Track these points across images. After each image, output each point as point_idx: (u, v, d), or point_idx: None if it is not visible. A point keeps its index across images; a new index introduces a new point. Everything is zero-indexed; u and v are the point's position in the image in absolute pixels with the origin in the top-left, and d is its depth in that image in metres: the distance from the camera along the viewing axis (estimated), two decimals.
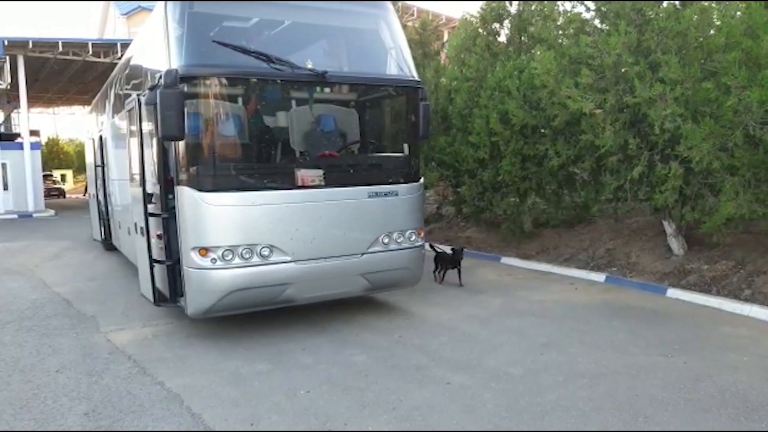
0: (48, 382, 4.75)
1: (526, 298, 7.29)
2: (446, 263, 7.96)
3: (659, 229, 8.46)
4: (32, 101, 27.95)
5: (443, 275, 8.03)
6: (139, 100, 6.40)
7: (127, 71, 8.34)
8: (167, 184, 5.79)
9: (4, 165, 23.85)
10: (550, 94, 7.71)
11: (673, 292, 7.01)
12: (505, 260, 9.63)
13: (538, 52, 7.68)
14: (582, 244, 9.39)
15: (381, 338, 5.76)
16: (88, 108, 25.11)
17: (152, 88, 5.49)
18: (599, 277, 8.08)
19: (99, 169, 11.77)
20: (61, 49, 22.15)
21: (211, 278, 5.39)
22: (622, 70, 6.73)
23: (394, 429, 3.84)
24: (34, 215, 23.20)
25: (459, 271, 7.88)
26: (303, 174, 5.81)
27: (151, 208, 6.10)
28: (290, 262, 5.65)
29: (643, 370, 4.71)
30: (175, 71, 5.13)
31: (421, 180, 6.57)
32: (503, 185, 9.42)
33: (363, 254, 6.03)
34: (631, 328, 5.85)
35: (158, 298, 6.08)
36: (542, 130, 8.62)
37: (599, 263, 8.57)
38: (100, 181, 11.75)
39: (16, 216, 22.70)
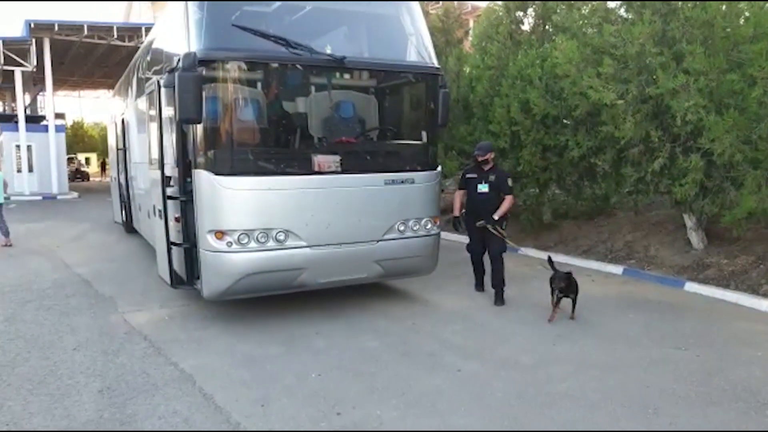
0: (65, 360, 4.86)
1: (542, 289, 7.16)
2: (563, 287, 5.96)
3: (679, 223, 8.32)
4: (57, 84, 28.40)
5: (558, 301, 6.01)
6: (158, 83, 6.45)
7: (148, 55, 8.41)
8: (186, 167, 5.85)
9: (29, 147, 24.29)
10: (572, 83, 7.59)
11: (690, 286, 6.90)
12: (522, 251, 9.53)
13: (561, 41, 7.52)
14: (601, 236, 9.29)
15: (395, 325, 5.77)
16: (112, 92, 25.40)
17: (171, 71, 5.54)
18: (617, 269, 7.99)
19: (121, 153, 11.93)
20: (86, 32, 22.43)
21: (226, 261, 5.44)
22: (646, 61, 6.59)
23: (400, 414, 3.86)
24: (58, 197, 23.64)
25: (574, 300, 6.03)
26: (320, 159, 5.82)
27: (169, 191, 6.17)
28: (305, 247, 5.68)
29: (655, 363, 4.66)
30: (194, 54, 5.16)
31: (438, 168, 6.54)
32: (523, 175, 9.32)
33: (378, 241, 6.03)
34: (647, 321, 5.79)
35: (175, 281, 6.16)
36: (564, 121, 8.48)
37: (617, 255, 8.47)
38: (121, 165, 11.91)
39: (40, 198, 23.16)
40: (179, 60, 5.31)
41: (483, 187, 6.53)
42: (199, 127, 5.50)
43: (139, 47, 20.48)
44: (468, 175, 6.74)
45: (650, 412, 3.79)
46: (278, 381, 4.43)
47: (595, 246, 9.07)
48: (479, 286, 7.10)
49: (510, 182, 6.58)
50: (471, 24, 18.08)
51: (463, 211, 6.90)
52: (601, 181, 9.45)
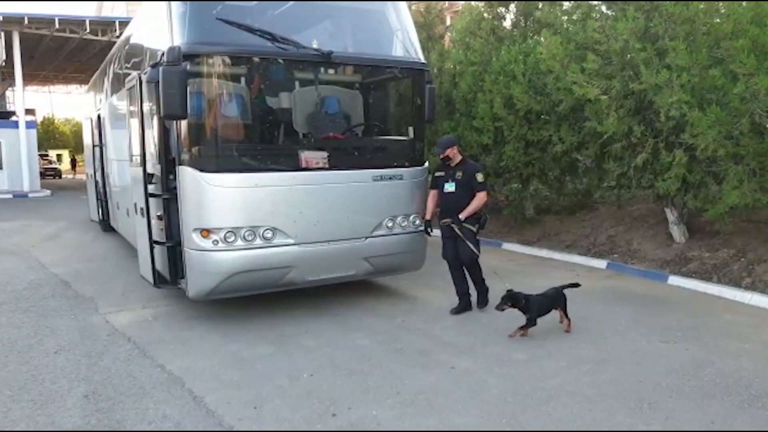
0: (46, 364, 4.71)
1: (529, 283, 7.16)
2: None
3: (661, 217, 8.43)
4: (28, 79, 27.65)
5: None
6: (140, 78, 6.30)
7: (126, 49, 8.20)
8: (168, 164, 5.72)
9: None
10: (556, 79, 7.63)
11: (674, 280, 7.00)
12: (506, 246, 9.60)
13: (544, 38, 7.55)
14: (583, 230, 9.37)
15: (384, 322, 5.73)
16: (85, 87, 24.81)
17: (154, 66, 5.40)
18: (600, 263, 8.07)
19: (97, 149, 11.65)
20: (57, 26, 21.83)
21: (212, 260, 5.34)
22: (629, 56, 6.63)
23: (397, 414, 3.82)
24: (30, 195, 23.04)
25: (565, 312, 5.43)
26: (307, 156, 5.74)
27: (151, 188, 6.03)
28: (293, 244, 5.61)
29: (647, 357, 4.70)
30: (178, 48, 5.04)
31: (426, 164, 6.50)
32: (506, 171, 9.35)
33: (366, 238, 5.99)
34: (634, 315, 5.84)
35: (158, 280, 6.03)
36: (546, 116, 8.53)
37: (600, 250, 8.55)
38: (98, 162, 11.63)
39: (11, 196, 22.53)
40: (163, 54, 5.18)
41: (450, 186, 5.89)
42: (184, 123, 5.38)
43: (113, 42, 20.14)
44: (436, 174, 6.08)
45: (646, 407, 3.81)
46: (270, 381, 4.35)
47: (578, 240, 9.14)
48: (462, 300, 6.11)
49: (480, 177, 5.85)
50: (448, 20, 18.09)
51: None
52: (582, 176, 9.55)
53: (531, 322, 5.26)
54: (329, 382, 4.34)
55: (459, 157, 5.97)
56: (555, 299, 5.46)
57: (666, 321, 5.62)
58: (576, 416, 3.72)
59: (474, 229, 5.98)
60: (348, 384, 4.30)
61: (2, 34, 21.57)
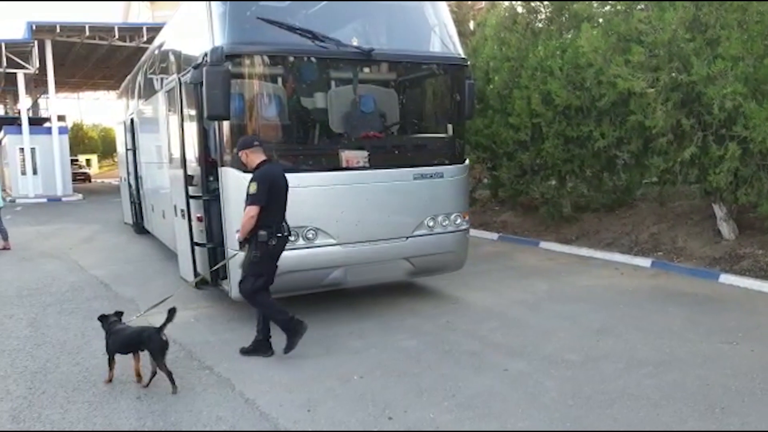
0: (96, 365, 4.69)
1: (572, 283, 7.10)
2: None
3: (706, 213, 8.18)
4: (58, 86, 28.14)
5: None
6: (179, 80, 6.30)
7: (159, 55, 8.23)
8: (208, 166, 5.70)
9: (33, 150, 24.11)
10: (597, 73, 7.44)
11: (726, 278, 6.75)
12: (543, 245, 9.41)
13: (585, 30, 7.35)
14: (624, 228, 9.13)
15: (428, 323, 5.62)
16: (113, 93, 25.21)
17: (196, 67, 5.37)
18: (644, 262, 7.84)
19: (130, 153, 11.76)
20: (87, 33, 22.21)
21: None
22: (678, 47, 6.42)
23: (454, 417, 3.71)
24: (63, 199, 23.47)
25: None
26: (348, 155, 5.67)
27: (191, 190, 6.02)
28: (336, 245, 5.54)
29: (710, 359, 4.50)
30: (221, 48, 5.01)
31: (467, 161, 6.39)
32: (543, 168, 9.17)
33: (408, 238, 5.89)
34: (688, 315, 5.64)
35: (199, 281, 6.01)
36: (586, 111, 8.32)
37: (643, 248, 8.31)
38: (131, 165, 11.74)
39: (45, 200, 22.98)
40: (205, 55, 5.14)
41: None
42: (226, 124, 5.34)
43: (140, 48, 20.39)
44: None
45: (717, 411, 3.64)
46: (320, 383, 4.27)
47: (619, 238, 8.91)
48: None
49: (253, 188, 4.56)
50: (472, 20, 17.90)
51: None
52: (622, 173, 9.32)
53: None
54: (381, 384, 4.24)
55: (256, 162, 4.74)
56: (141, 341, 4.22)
57: (724, 321, 5.41)
58: (643, 420, 3.57)
59: (251, 254, 4.68)
60: (400, 386, 4.19)
61: (35, 42, 22.02)
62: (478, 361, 4.63)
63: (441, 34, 6.32)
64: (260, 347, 4.85)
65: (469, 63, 6.37)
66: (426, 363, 4.62)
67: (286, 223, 4.76)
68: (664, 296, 6.34)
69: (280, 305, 4.86)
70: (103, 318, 4.48)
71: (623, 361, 4.53)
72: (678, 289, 6.58)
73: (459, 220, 6.20)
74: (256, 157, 4.75)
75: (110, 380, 4.33)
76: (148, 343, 4.15)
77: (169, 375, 4.13)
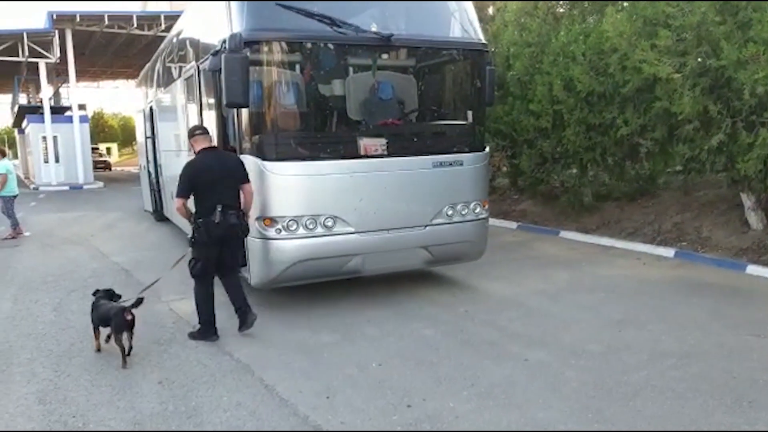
0: (119, 350, 4.73)
1: (593, 273, 7.00)
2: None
3: (733, 202, 7.99)
4: (79, 75, 28.40)
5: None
6: (198, 68, 6.30)
7: (177, 43, 8.23)
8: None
9: (55, 138, 24.44)
10: (621, 58, 7.27)
11: (754, 269, 6.59)
12: (564, 234, 9.30)
13: (610, 14, 7.18)
14: (646, 217, 8.97)
15: (446, 312, 5.58)
16: (132, 81, 25.39)
17: (215, 54, 5.35)
18: (668, 252, 7.70)
19: (149, 141, 11.84)
20: (106, 22, 22.35)
21: (276, 249, 5.29)
22: (707, 30, 6.23)
23: (474, 407, 3.67)
24: (84, 187, 23.77)
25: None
26: (366, 143, 5.62)
27: None
28: (354, 233, 5.51)
29: (736, 351, 4.41)
30: (239, 35, 4.97)
31: (487, 149, 6.30)
32: (564, 156, 9.03)
33: (426, 226, 5.83)
34: (713, 306, 5.52)
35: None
36: (609, 98, 8.15)
37: (666, 238, 8.17)
38: (150, 153, 11.81)
39: (67, 188, 23.31)
40: (223, 42, 5.11)
41: None
42: (245, 111, 5.33)
43: (158, 36, 20.45)
44: None
45: (745, 405, 3.55)
46: (338, 370, 4.27)
47: (641, 228, 8.76)
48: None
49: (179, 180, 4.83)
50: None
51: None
52: (645, 161, 9.15)
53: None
54: (399, 372, 4.22)
55: (197, 150, 4.95)
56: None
57: (751, 313, 5.28)
58: (668, 413, 3.50)
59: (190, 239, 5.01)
60: (419, 375, 4.17)
61: (56, 32, 22.23)
62: (497, 351, 4.59)
63: (461, 19, 6.21)
64: (206, 332, 4.99)
65: (489, 48, 6.25)
66: (444, 352, 4.59)
67: (222, 210, 4.72)
68: (688, 287, 6.22)
69: (209, 303, 4.99)
70: (94, 293, 4.91)
71: (646, 353, 4.45)
72: (703, 280, 6.45)
73: (478, 209, 6.13)
74: (197, 146, 4.95)
75: (98, 349, 4.70)
76: (113, 318, 4.46)
77: (122, 350, 4.41)
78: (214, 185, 4.77)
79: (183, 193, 4.81)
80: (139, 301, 4.68)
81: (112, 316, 4.49)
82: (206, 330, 4.99)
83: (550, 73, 8.64)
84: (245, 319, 5.02)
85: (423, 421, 3.50)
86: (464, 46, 6.10)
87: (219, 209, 4.71)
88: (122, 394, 3.91)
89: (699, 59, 6.43)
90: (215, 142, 5.84)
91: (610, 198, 9.77)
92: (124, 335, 4.43)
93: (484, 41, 6.15)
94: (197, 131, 5.06)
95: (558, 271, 7.07)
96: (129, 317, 4.46)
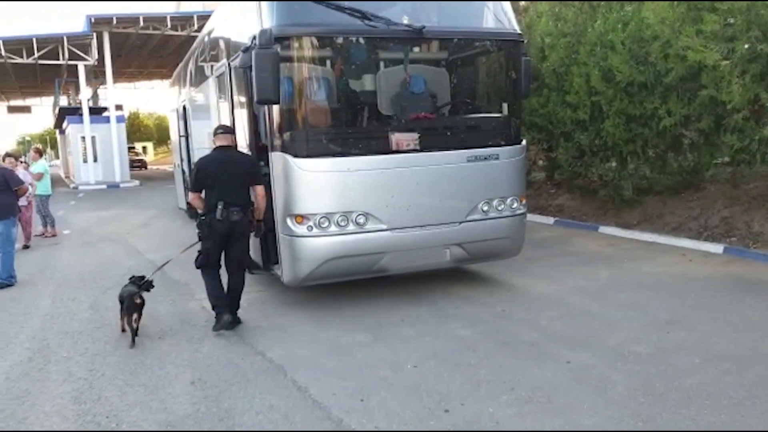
0: (152, 348, 4.74)
1: (636, 269, 6.73)
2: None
3: None
4: (116, 76, 29.01)
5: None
6: (229, 65, 6.25)
7: (209, 42, 8.22)
8: (259, 150, 5.63)
9: (93, 138, 25.01)
10: (664, 45, 6.96)
11: None
12: (603, 229, 9.00)
13: (650, 1, 6.88)
14: (691, 212, 8.61)
15: (483, 311, 5.41)
16: (166, 81, 25.79)
17: (246, 50, 5.28)
18: (716, 248, 7.35)
19: (182, 140, 11.92)
20: (141, 23, 22.74)
21: (307, 246, 5.20)
22: (757, 14, 5.89)
23: (515, 412, 3.51)
24: (121, 185, 24.28)
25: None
26: (398, 138, 5.48)
27: None
28: (386, 230, 5.38)
29: None
30: (270, 30, 4.88)
31: (523, 142, 6.09)
32: (603, 148, 8.72)
33: (461, 223, 5.67)
34: None
35: (251, 266, 5.97)
36: (650, 87, 7.82)
37: (714, 233, 7.81)
38: (184, 152, 11.90)
39: (105, 186, 23.84)
40: (253, 38, 5.04)
41: None
42: (276, 108, 5.24)
43: (192, 36, 20.65)
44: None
45: None
46: (372, 372, 4.15)
47: (686, 223, 8.41)
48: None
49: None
50: None
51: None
52: (689, 153, 8.78)
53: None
54: (435, 374, 4.08)
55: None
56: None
57: None
58: (726, 422, 3.27)
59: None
60: (456, 377, 4.02)
61: (94, 35, 22.73)
62: (537, 352, 4.40)
63: (494, 9, 6.01)
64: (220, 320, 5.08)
65: (524, 38, 6.03)
66: (482, 353, 4.43)
67: (224, 207, 4.91)
68: (741, 285, 5.90)
69: (218, 291, 5.13)
70: (130, 279, 5.28)
71: (698, 356, 4.21)
72: (756, 278, 6.12)
73: (515, 204, 5.94)
74: (216, 144, 5.22)
75: (123, 329, 5.02)
76: (125, 301, 4.88)
77: (132, 331, 4.80)
78: (217, 183, 4.96)
79: (192, 187, 5.23)
80: (148, 284, 5.13)
81: (123, 299, 4.90)
82: (223, 319, 5.06)
83: (588, 63, 8.36)
84: (220, 319, 5.03)
85: (461, 427, 3.36)
86: (499, 36, 5.91)
87: (220, 206, 4.89)
88: (155, 395, 3.88)
89: (748, 45, 6.09)
90: (247, 140, 5.81)
91: (652, 192, 9.41)
92: (134, 317, 4.80)
93: (519, 31, 5.95)
94: (219, 130, 5.29)
95: (599, 268, 6.82)
96: (138, 300, 4.86)
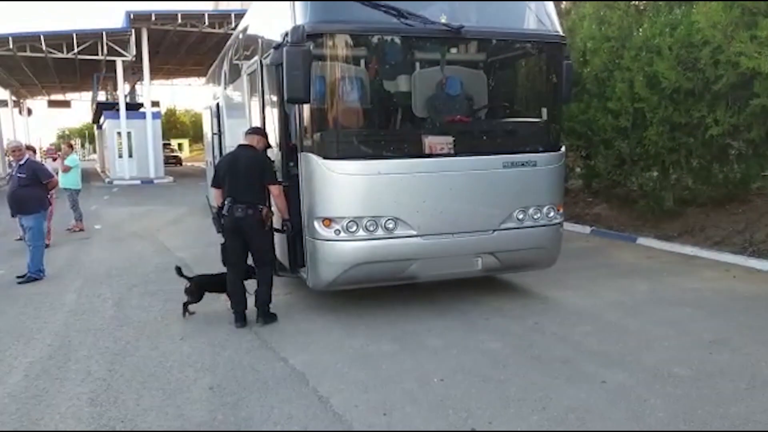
0: (173, 351, 4.67)
1: (676, 284, 6.41)
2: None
3: None
4: (153, 73, 29.51)
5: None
6: (261, 62, 6.17)
7: (243, 40, 8.18)
8: (289, 150, 5.52)
9: (129, 134, 25.44)
10: (714, 51, 6.63)
11: None
12: (641, 240, 8.66)
13: (701, 5, 6.56)
14: (736, 225, 8.21)
15: (514, 324, 5.20)
16: (203, 79, 26.11)
17: (277, 47, 5.17)
18: (762, 264, 6.98)
19: (215, 138, 11.96)
20: (180, 21, 23.04)
21: (334, 250, 5.07)
22: None
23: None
24: (155, 181, 24.63)
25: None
26: (432, 141, 5.31)
27: None
28: (416, 236, 5.21)
29: None
30: (302, 27, 4.77)
31: (562, 149, 5.85)
32: (644, 157, 8.39)
33: (494, 231, 5.46)
34: None
35: (278, 268, 5.88)
36: (698, 95, 7.47)
37: (760, 248, 7.41)
38: (217, 150, 11.93)
39: (139, 182, 24.21)
40: (285, 35, 4.93)
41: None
42: (306, 108, 5.14)
43: (228, 34, 20.81)
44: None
45: None
46: (397, 384, 3.99)
47: (730, 237, 8.02)
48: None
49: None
50: None
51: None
52: (736, 163, 8.38)
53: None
54: (462, 389, 3.90)
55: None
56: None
57: None
58: None
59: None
60: (485, 393, 3.83)
61: (133, 31, 23.12)
62: (570, 370, 4.18)
63: (536, 10, 5.79)
64: (235, 317, 5.27)
65: (567, 41, 5.80)
66: (513, 369, 4.23)
67: (232, 202, 5.07)
68: None
69: (236, 291, 5.27)
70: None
71: (744, 380, 3.94)
72: None
73: (552, 213, 5.70)
74: (241, 142, 5.43)
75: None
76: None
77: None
78: (227, 180, 5.16)
79: (212, 183, 5.49)
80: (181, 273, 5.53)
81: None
82: (235, 316, 5.24)
83: (632, 68, 8.04)
84: (237, 316, 5.26)
85: None
86: (540, 38, 5.69)
87: (228, 202, 5.05)
88: (172, 399, 3.79)
89: None
90: (276, 140, 5.70)
91: (694, 203, 9.03)
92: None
93: (561, 33, 5.71)
94: (248, 131, 5.56)
95: (636, 282, 6.53)
96: (186, 286, 5.48)
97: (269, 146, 5.51)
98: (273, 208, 5.32)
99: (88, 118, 48.10)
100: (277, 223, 5.84)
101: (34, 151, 10.08)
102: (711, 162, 8.47)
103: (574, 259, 7.54)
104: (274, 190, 5.19)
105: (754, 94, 6.40)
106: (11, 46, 22.05)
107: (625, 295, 6.02)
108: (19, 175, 7.12)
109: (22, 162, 7.22)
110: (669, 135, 7.91)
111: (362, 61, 5.50)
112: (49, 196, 7.73)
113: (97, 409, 3.68)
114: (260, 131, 5.51)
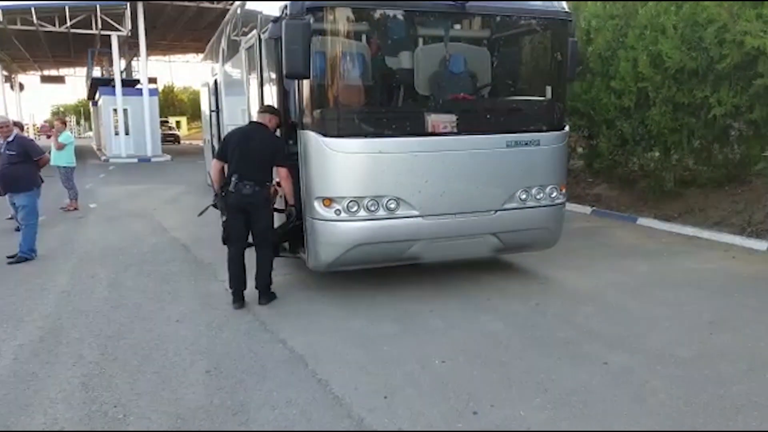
0: (169, 333, 4.60)
1: (676, 265, 6.39)
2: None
3: None
4: (150, 49, 29.10)
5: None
6: (259, 37, 6.04)
7: (241, 14, 8.01)
8: (288, 128, 5.43)
9: (125, 111, 25.11)
10: (720, 30, 6.50)
11: None
12: (642, 221, 8.62)
13: None
14: (735, 206, 8.17)
15: (516, 304, 5.17)
16: (201, 56, 25.79)
17: (276, 21, 5.04)
18: (761, 245, 6.96)
19: (213, 115, 11.81)
20: None
21: (335, 230, 5.01)
22: None
23: (548, 417, 3.29)
24: (152, 159, 24.41)
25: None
26: (434, 120, 5.22)
27: None
28: (417, 216, 5.15)
29: None
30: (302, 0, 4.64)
31: (566, 128, 5.77)
32: (646, 137, 8.30)
33: (497, 211, 5.40)
34: None
35: (277, 243, 5.81)
36: (702, 75, 7.36)
37: (759, 229, 7.38)
38: (215, 127, 11.79)
39: (136, 160, 24.00)
40: (284, 8, 4.81)
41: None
42: (306, 84, 5.02)
43: (226, 9, 20.48)
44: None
45: None
46: (398, 366, 3.96)
47: (729, 217, 7.99)
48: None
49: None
50: None
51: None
52: (736, 144, 8.30)
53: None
54: (464, 371, 3.87)
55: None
56: None
57: None
58: None
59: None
60: (486, 376, 3.81)
61: (128, 5, 22.69)
62: (572, 352, 4.16)
63: None
64: (233, 298, 5.22)
65: (572, 17, 5.67)
66: (514, 350, 4.20)
67: (239, 179, 4.98)
68: None
69: (235, 271, 5.17)
70: None
71: (745, 361, 3.93)
72: None
73: (555, 193, 5.65)
74: (252, 119, 5.49)
75: None
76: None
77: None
78: (236, 155, 5.03)
79: (216, 155, 5.32)
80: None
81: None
82: (233, 296, 5.20)
83: (636, 47, 7.91)
84: (235, 297, 5.21)
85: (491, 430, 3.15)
86: (545, 14, 5.56)
87: (234, 178, 4.95)
88: (167, 383, 3.73)
89: None
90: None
91: (694, 184, 8.97)
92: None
93: (567, 10, 5.59)
94: (260, 108, 5.49)
95: (637, 262, 6.51)
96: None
97: (280, 126, 5.37)
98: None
99: (83, 94, 47.56)
100: (278, 203, 5.78)
101: (21, 128, 9.83)
102: (712, 143, 8.40)
103: (575, 239, 7.51)
104: (282, 172, 5.09)
105: (757, 74, 6.31)
106: (1, 19, 21.62)
107: (626, 276, 5.99)
108: (8, 152, 6.85)
109: (10, 139, 6.96)
110: (672, 115, 7.82)
111: (363, 37, 5.37)
112: None
113: (89, 393, 3.60)
114: (273, 110, 5.36)
